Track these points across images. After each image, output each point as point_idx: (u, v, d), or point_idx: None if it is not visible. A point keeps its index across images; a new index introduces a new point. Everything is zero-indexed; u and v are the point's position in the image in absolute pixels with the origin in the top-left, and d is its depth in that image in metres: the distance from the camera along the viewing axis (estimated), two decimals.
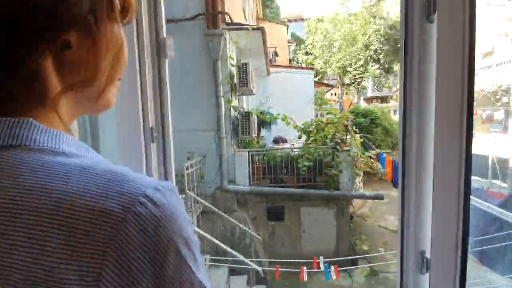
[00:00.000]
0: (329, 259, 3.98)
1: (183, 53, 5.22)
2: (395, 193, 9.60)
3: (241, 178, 5.53)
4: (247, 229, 4.71)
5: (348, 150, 5.17)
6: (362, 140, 7.83)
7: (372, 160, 5.51)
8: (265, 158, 5.78)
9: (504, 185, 11.27)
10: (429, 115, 0.75)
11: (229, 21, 5.33)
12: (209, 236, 3.31)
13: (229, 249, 3.26)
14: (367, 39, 16.80)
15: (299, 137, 5.78)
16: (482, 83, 12.24)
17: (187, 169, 4.57)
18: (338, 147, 5.14)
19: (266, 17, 16.01)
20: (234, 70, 5.43)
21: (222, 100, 5.13)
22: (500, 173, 11.18)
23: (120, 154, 0.86)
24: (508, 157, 10.63)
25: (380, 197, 5.17)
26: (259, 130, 7.44)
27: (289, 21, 22.12)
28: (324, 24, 18.90)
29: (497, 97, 10.71)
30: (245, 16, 8.70)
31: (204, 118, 5.36)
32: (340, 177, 5.28)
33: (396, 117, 16.17)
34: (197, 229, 3.52)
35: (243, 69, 5.26)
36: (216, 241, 3.31)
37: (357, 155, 5.68)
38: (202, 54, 5.20)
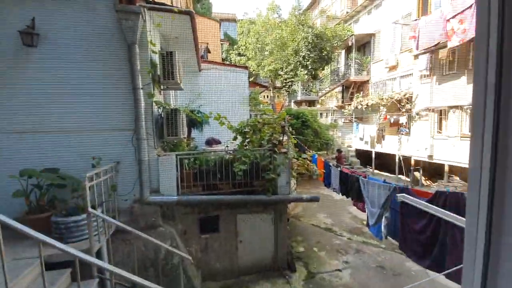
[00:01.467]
0: None
1: (87, 31, 4.10)
2: (324, 191, 10.13)
3: (167, 186, 4.68)
4: (171, 248, 3.92)
5: (285, 153, 4.92)
6: (295, 141, 7.88)
7: (308, 162, 5.44)
8: (196, 162, 5.07)
9: (407, 179, 13.29)
10: None
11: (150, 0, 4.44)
12: (111, 268, 2.45)
13: (141, 282, 2.48)
14: (297, 45, 17.67)
15: (234, 139, 5.28)
16: (390, 92, 14.20)
17: (90, 179, 3.51)
18: (275, 149, 4.84)
19: (197, 12, 15.09)
20: (157, 59, 4.56)
21: (141, 93, 4.20)
22: (404, 168, 13.12)
23: None
24: (410, 155, 12.56)
25: (316, 200, 5.11)
26: (189, 131, 6.65)
27: (222, 20, 21.63)
28: (257, 27, 19.13)
29: (402, 104, 12.53)
30: (172, 2, 7.76)
31: (118, 115, 4.33)
32: (278, 181, 5.00)
33: (322, 120, 17.47)
34: (97, 262, 2.60)
35: (168, 58, 4.44)
36: (126, 274, 2.48)
37: (293, 157, 5.52)
38: (114, 35, 4.17)
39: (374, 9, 16.54)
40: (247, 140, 5.10)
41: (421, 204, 2.37)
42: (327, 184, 7.02)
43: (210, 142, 7.91)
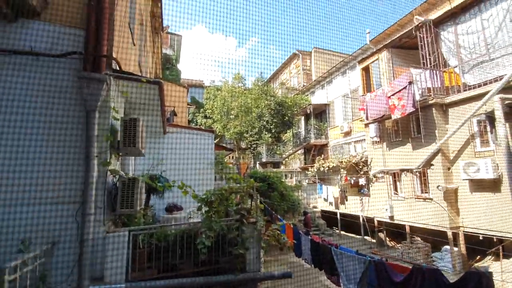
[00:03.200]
0: None
1: (40, 94, 3.81)
2: (294, 258, 9.47)
3: (113, 271, 3.89)
4: None
5: (254, 223, 4.59)
6: (262, 206, 7.60)
7: (278, 232, 5.12)
8: (153, 237, 4.43)
9: (372, 240, 13.30)
10: None
11: (117, 69, 4.42)
12: None
13: None
14: (260, 111, 18.89)
15: (199, 209, 4.85)
16: (347, 155, 15.24)
17: (13, 270, 2.78)
18: (244, 220, 4.50)
19: (166, 78, 15.73)
20: (118, 125, 4.31)
21: (95, 162, 3.79)
22: (369, 230, 13.23)
23: None
24: (372, 216, 12.86)
25: (289, 276, 4.63)
26: (148, 198, 6.07)
27: (190, 86, 22.74)
28: (223, 93, 20.35)
29: (360, 167, 13.39)
30: (140, 71, 7.94)
31: (62, 186, 3.76)
32: (247, 255, 4.50)
33: (287, 181, 17.67)
34: None
35: (130, 125, 4.23)
36: None
37: (262, 226, 5.17)
38: (72, 101, 3.92)
39: (327, 84, 18.96)
40: (213, 210, 4.71)
41: None
42: (298, 254, 6.58)
43: (171, 208, 7.25)
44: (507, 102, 7.74)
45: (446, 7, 9.82)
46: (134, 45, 6.47)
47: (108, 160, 3.95)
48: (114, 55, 4.38)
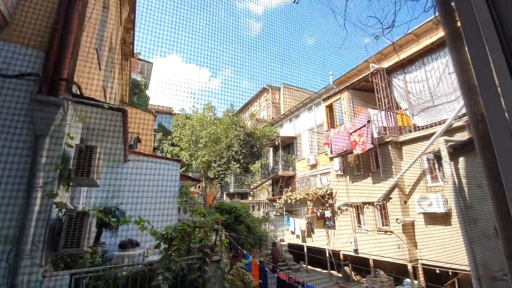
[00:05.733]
0: None
1: None
2: None
3: None
4: None
5: (218, 261, 4.29)
6: (227, 240, 7.24)
7: (243, 270, 4.83)
8: (100, 280, 3.89)
9: (339, 274, 13.19)
10: None
11: (78, 93, 4.18)
12: None
13: None
14: (230, 141, 18.91)
15: (157, 246, 4.44)
16: (313, 187, 15.56)
17: None
18: (206, 259, 4.19)
19: (133, 103, 15.25)
20: (72, 152, 3.94)
21: (39, 194, 3.35)
22: (335, 263, 13.16)
23: None
24: (338, 249, 12.91)
25: None
26: (99, 234, 5.47)
27: (158, 112, 22.27)
28: (192, 121, 20.18)
29: (325, 199, 13.68)
30: (105, 95, 7.61)
31: None
32: None
33: (254, 213, 17.31)
34: None
35: (86, 153, 3.89)
36: None
37: (226, 265, 4.86)
38: (19, 124, 3.55)
39: (294, 118, 19.85)
40: (173, 248, 4.33)
41: None
42: None
43: (126, 245, 6.59)
44: (450, 144, 8.70)
45: (396, 59, 11.21)
46: (100, 69, 6.26)
47: (54, 192, 3.53)
48: (76, 79, 4.15)
